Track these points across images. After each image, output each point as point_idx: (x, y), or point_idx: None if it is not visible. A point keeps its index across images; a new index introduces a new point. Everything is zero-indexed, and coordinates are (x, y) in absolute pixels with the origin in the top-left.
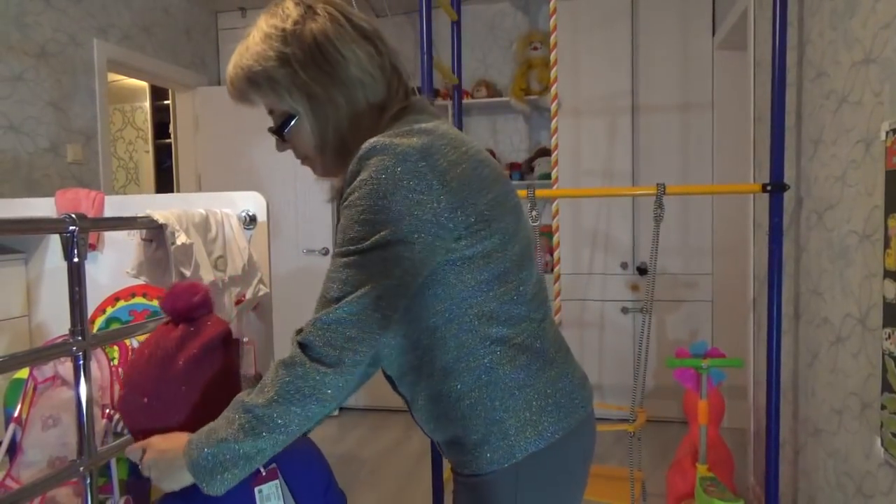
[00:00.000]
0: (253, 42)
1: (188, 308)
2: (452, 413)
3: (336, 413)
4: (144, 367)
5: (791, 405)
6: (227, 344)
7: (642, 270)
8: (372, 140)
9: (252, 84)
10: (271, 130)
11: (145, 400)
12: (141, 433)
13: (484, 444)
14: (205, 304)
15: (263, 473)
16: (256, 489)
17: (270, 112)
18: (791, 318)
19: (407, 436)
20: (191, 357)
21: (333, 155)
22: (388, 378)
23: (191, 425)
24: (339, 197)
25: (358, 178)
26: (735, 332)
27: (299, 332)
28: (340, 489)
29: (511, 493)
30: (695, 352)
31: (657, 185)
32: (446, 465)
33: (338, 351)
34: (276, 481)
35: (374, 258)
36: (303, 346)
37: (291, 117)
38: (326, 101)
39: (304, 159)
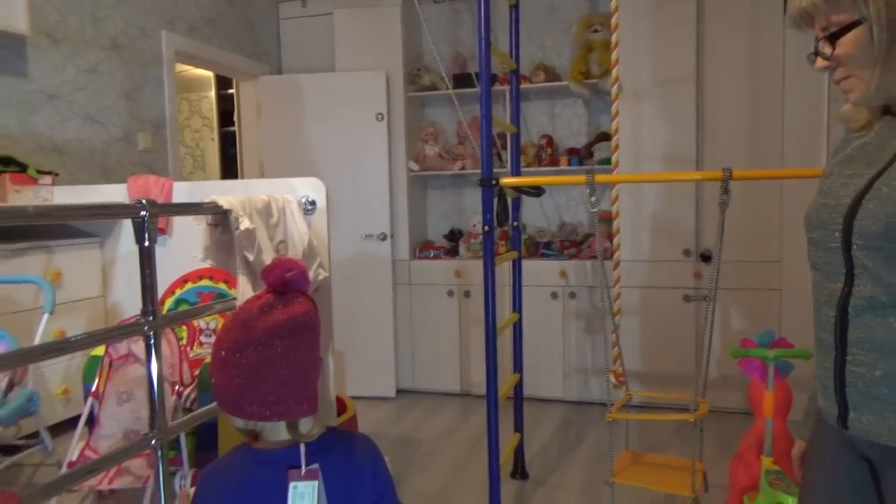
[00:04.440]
0: None
1: (278, 281)
2: None
3: (393, 396)
4: (230, 324)
5: None
6: (309, 326)
7: (706, 257)
8: None
9: None
10: (822, 40)
11: (223, 353)
12: (215, 384)
13: None
14: (297, 281)
15: (303, 472)
16: (292, 484)
17: (824, 28)
18: None
19: (464, 419)
20: (269, 326)
21: (890, 71)
22: None
23: (251, 390)
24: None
25: None
26: (805, 321)
27: None
28: None
29: None
30: (761, 341)
31: (723, 169)
32: (503, 449)
33: None
34: (315, 482)
35: None
36: None
37: (855, 24)
38: None
39: (846, 79)
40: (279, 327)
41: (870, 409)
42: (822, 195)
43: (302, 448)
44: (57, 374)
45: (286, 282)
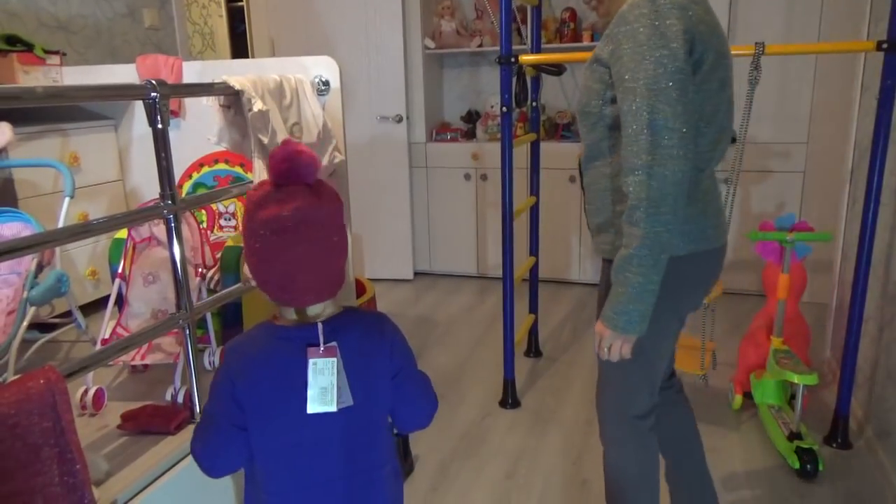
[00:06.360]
0: None
1: (274, 172)
2: None
3: (411, 278)
4: (249, 207)
5: (880, 281)
6: (310, 223)
7: (731, 139)
8: None
9: None
10: None
11: (245, 234)
12: (246, 256)
13: None
14: (290, 174)
15: (322, 350)
16: (311, 361)
17: None
18: (893, 191)
19: (480, 301)
20: (261, 219)
21: None
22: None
23: (263, 275)
24: None
25: None
26: (826, 204)
27: None
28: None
29: None
30: (780, 224)
31: (755, 44)
32: (517, 329)
33: None
34: (333, 359)
35: None
36: None
37: None
38: None
39: None
40: (273, 219)
41: (594, 234)
42: None
43: (319, 326)
44: (84, 257)
45: (280, 174)
